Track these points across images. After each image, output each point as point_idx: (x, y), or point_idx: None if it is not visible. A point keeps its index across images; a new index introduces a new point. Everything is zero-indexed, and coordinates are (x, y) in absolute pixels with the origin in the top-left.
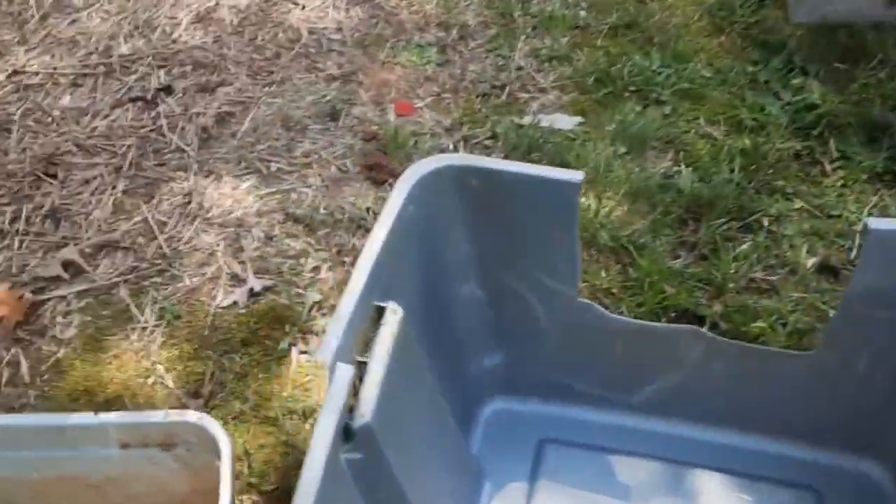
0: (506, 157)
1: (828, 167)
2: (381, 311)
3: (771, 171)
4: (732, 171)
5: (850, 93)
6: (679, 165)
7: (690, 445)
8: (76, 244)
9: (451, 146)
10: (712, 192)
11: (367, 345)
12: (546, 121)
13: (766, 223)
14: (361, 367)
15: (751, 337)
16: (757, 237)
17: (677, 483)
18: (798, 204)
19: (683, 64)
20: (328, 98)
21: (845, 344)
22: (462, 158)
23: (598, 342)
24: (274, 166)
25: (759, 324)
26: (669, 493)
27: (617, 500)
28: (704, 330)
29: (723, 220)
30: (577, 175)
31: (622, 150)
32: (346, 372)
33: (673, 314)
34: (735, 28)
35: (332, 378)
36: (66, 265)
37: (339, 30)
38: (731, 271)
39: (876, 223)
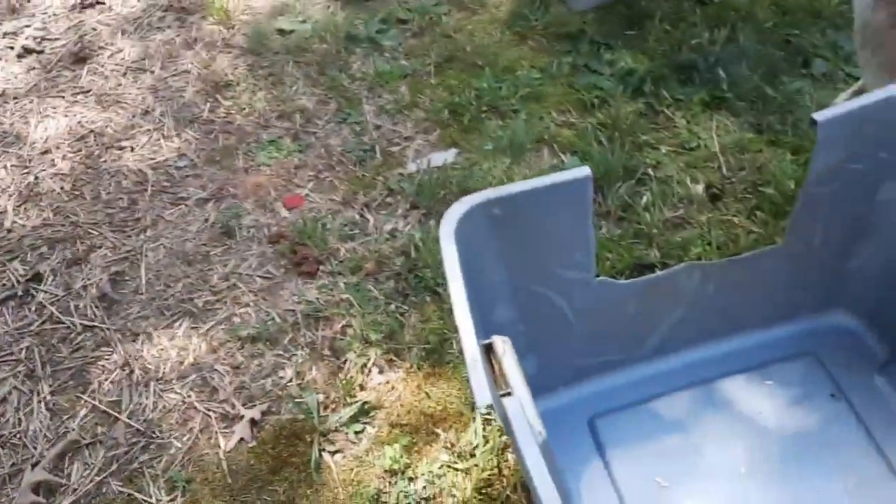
0: (412, 206)
1: (668, 112)
2: (488, 348)
3: (630, 132)
4: (601, 143)
5: (652, 50)
6: (558, 156)
7: (707, 364)
8: (33, 464)
9: (357, 216)
10: (598, 165)
11: (495, 380)
12: (428, 162)
13: (651, 173)
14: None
15: None
16: (651, 186)
17: (712, 397)
18: (664, 149)
19: (513, 74)
20: (212, 220)
21: (803, 226)
22: (482, 195)
23: (615, 310)
24: (199, 301)
25: (695, 250)
26: (710, 407)
27: (678, 434)
28: (697, 261)
29: (619, 184)
30: (584, 170)
31: (507, 161)
32: (517, 406)
33: (628, 272)
34: (535, 31)
35: (508, 414)
36: (36, 488)
37: (183, 155)
38: (648, 220)
39: (819, 115)
